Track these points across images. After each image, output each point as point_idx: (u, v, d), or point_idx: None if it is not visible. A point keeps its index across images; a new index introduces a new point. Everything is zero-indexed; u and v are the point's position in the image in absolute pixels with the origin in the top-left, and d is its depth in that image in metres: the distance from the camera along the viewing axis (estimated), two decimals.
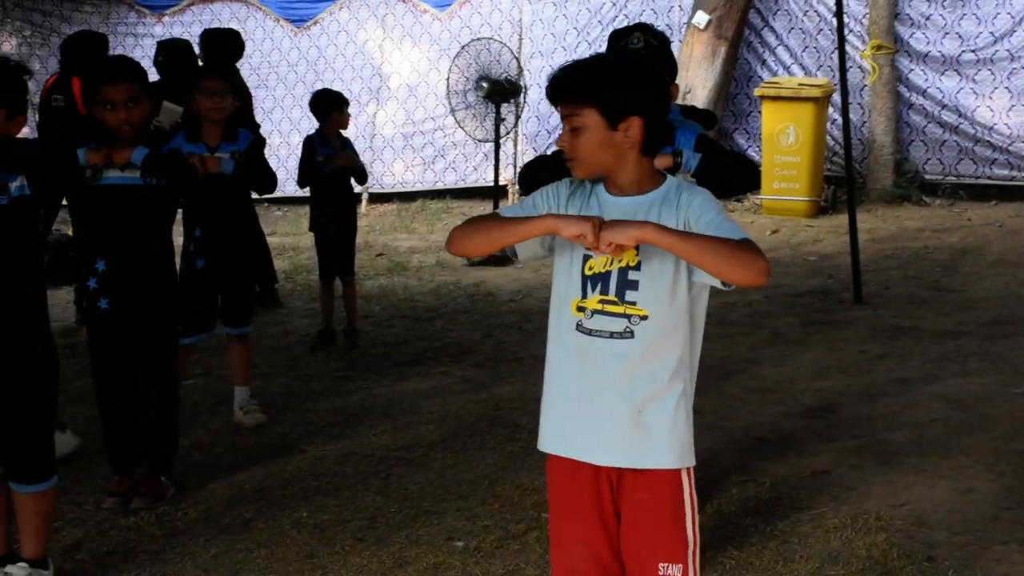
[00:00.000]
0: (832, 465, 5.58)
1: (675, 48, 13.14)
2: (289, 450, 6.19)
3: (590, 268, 2.98)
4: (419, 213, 13.20)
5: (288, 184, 9.11)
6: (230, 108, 6.36)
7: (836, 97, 12.44)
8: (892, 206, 12.93)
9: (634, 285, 2.94)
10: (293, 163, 8.79)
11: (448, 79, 11.02)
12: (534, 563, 4.63)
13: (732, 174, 4.30)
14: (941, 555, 4.53)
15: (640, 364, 2.97)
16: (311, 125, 8.61)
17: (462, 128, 11.34)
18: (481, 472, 5.72)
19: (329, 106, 8.29)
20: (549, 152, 12.85)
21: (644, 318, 2.93)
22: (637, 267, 2.93)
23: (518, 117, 11.65)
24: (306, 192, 8.59)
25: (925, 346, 7.74)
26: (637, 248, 2.88)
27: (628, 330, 2.94)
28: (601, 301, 2.96)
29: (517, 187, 13.25)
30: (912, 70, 13.29)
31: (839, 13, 9.30)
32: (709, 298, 3.09)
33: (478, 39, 11.44)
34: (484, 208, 13.14)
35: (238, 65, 9.33)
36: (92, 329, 5.30)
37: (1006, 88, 12.86)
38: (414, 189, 14.16)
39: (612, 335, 2.96)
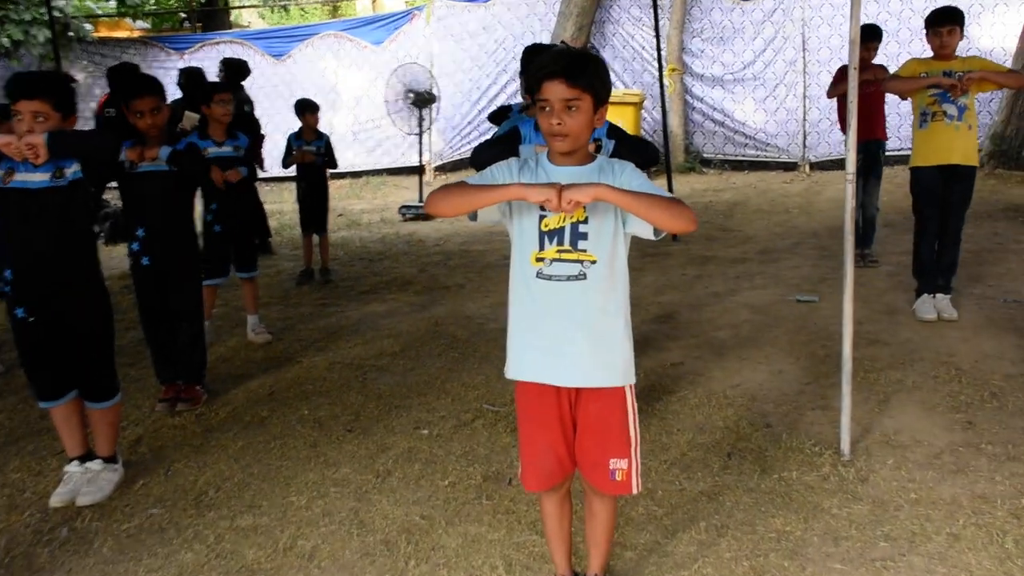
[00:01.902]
0: (682, 358, 5.08)
1: None
2: (289, 361, 5.47)
3: (546, 225, 2.45)
4: (365, 186, 12.48)
5: (274, 167, 8.32)
6: (231, 114, 5.74)
7: (647, 103, 12.09)
8: (684, 175, 12.45)
9: (584, 236, 2.43)
10: (276, 154, 8.10)
11: (385, 92, 10.34)
12: (483, 444, 4.05)
13: (639, 154, 3.70)
14: (774, 422, 4.12)
15: (593, 300, 2.46)
16: (288, 128, 7.90)
17: (395, 125, 10.66)
18: (433, 374, 5.09)
19: (303, 109, 7.65)
20: (458, 142, 12.86)
21: (593, 262, 2.43)
22: (585, 221, 2.43)
23: (431, 120, 10.95)
24: (289, 172, 7.82)
25: (724, 269, 7.31)
26: (585, 206, 2.37)
27: (582, 273, 2.43)
28: (559, 251, 2.44)
29: (434, 168, 12.64)
30: (694, 85, 12.88)
31: (658, 48, 8.85)
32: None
33: (405, 64, 10.74)
34: (411, 181, 12.48)
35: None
36: (137, 280, 4.62)
37: (752, 98, 12.57)
38: (361, 169, 13.42)
39: (569, 278, 2.44)
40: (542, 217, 2.44)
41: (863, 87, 6.96)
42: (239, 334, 6.02)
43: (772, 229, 9.15)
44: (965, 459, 3.63)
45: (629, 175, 2.44)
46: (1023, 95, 10.52)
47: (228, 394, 4.91)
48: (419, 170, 11.19)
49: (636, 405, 2.58)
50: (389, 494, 3.62)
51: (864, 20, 11.38)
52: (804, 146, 12.36)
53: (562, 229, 2.44)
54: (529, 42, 12.89)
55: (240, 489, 3.72)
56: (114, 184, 4.56)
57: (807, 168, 12.32)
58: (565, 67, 2.34)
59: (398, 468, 3.86)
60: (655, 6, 6.88)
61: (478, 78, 12.67)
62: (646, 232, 2.43)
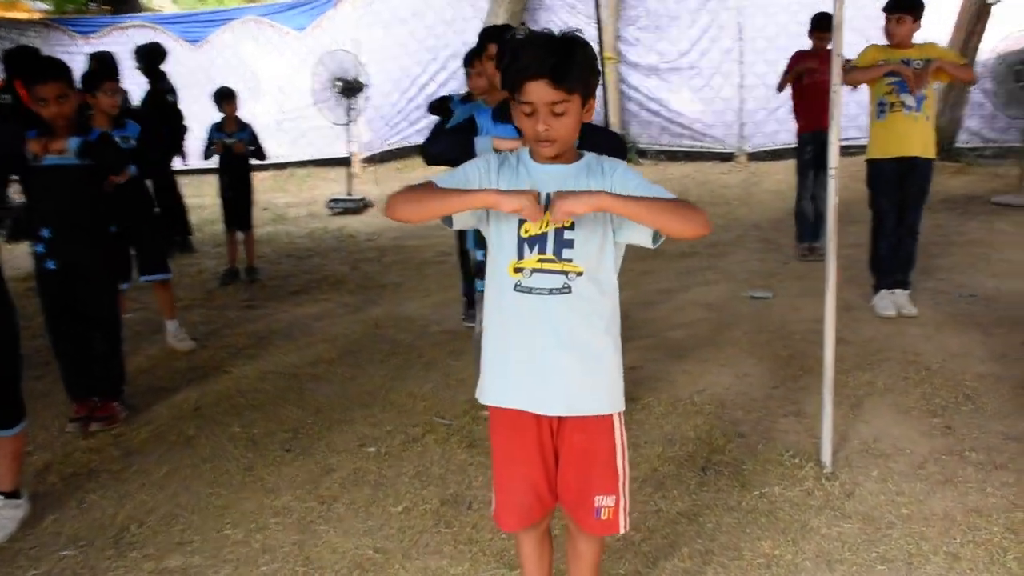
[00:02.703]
0: (640, 361, 4.83)
1: None
2: (216, 371, 5.07)
3: (526, 231, 2.14)
4: (290, 178, 11.99)
5: (195, 159, 7.84)
6: (118, 104, 5.25)
7: None
8: None
9: (569, 244, 2.13)
10: (194, 145, 7.66)
11: (313, 80, 9.90)
12: (437, 463, 3.75)
13: (609, 147, 3.42)
14: (747, 431, 3.92)
15: (579, 317, 2.16)
16: (206, 118, 7.47)
17: (323, 115, 10.22)
18: (376, 383, 4.75)
19: (221, 98, 7.22)
20: (387, 133, 12.42)
21: (579, 274, 2.13)
22: (571, 227, 2.12)
23: (360, 110, 10.56)
24: (209, 165, 7.41)
25: (671, 264, 7.11)
26: None
27: (566, 286, 2.13)
28: (540, 260, 2.13)
29: (363, 160, 12.20)
30: (630, 74, 12.68)
31: (600, 36, 8.60)
32: None
33: (333, 50, 10.30)
34: (338, 173, 12.06)
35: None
36: (42, 286, 4.21)
37: (688, 87, 12.43)
38: (285, 161, 12.85)
39: (551, 291, 2.13)
40: (522, 222, 2.15)
41: (817, 77, 6.90)
42: (158, 341, 5.59)
43: (715, 221, 8.54)
44: (951, 469, 3.47)
45: (623, 174, 2.17)
46: (956, 87, 10.62)
47: (149, 410, 4.49)
48: (347, 162, 10.78)
49: (625, 435, 2.30)
50: (336, 524, 3.29)
51: (808, 9, 11.31)
52: (741, 136, 12.29)
53: (544, 236, 2.14)
54: (461, 28, 12.73)
55: (167, 523, 3.34)
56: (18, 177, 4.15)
57: (744, 159, 12.25)
58: (552, 67, 2.03)
59: (345, 493, 3.53)
60: None
61: (408, 66, 12.28)
62: (643, 240, 2.16)
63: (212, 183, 8.23)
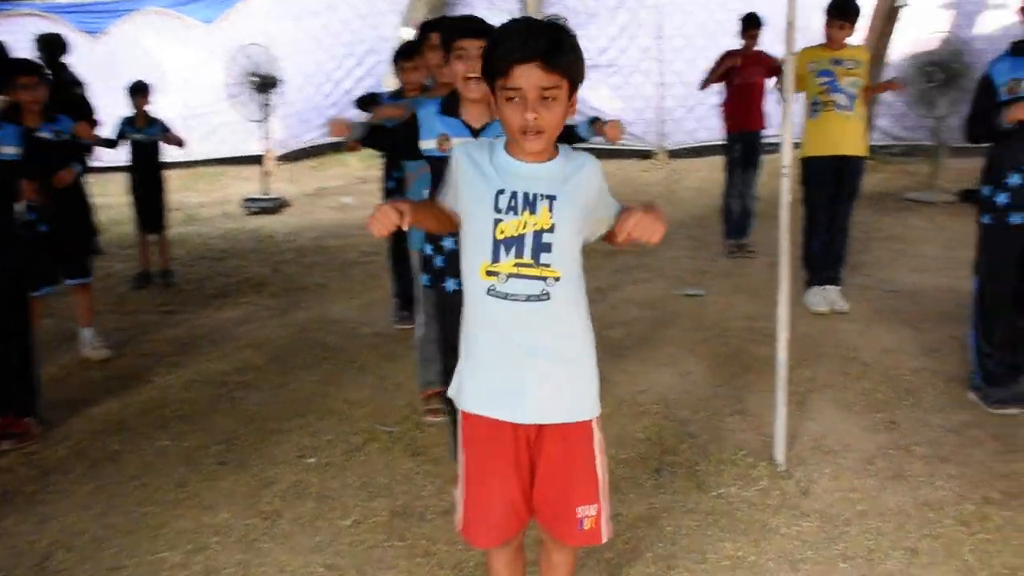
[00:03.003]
0: None
1: (387, 55, 12.16)
2: (137, 381, 4.81)
3: (501, 231, 2.01)
4: (200, 176, 11.57)
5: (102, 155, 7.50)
6: (45, 97, 4.89)
7: None
8: None
9: (548, 248, 2.02)
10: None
11: (225, 74, 9.58)
12: (382, 472, 3.62)
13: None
14: (696, 431, 3.90)
15: (558, 325, 2.08)
16: (108, 112, 7.26)
17: (237, 111, 9.90)
18: (310, 390, 4.59)
19: (135, 92, 6.95)
20: (301, 130, 12.12)
21: (557, 279, 2.03)
22: (551, 229, 2.01)
23: (277, 106, 10.26)
24: (117, 162, 7.17)
25: (601, 262, 7.04)
26: (551, 209, 2.01)
27: (545, 292, 2.03)
28: (517, 264, 2.02)
29: (277, 157, 11.85)
30: None
31: None
32: None
33: (247, 44, 9.98)
34: (251, 171, 11.73)
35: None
36: None
37: (607, 85, 12.41)
38: (195, 159, 12.37)
39: (529, 298, 2.02)
40: (497, 221, 2.04)
41: (746, 76, 6.98)
42: (71, 349, 5.29)
43: None
44: (899, 463, 3.52)
45: (590, 171, 2.10)
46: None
47: (66, 425, 4.23)
48: (260, 160, 10.49)
49: (603, 439, 2.23)
50: (282, 541, 3.14)
51: (724, 8, 11.40)
52: (661, 134, 12.41)
53: (522, 237, 2.02)
54: (376, 23, 12.52)
55: (97, 547, 3.13)
56: None
57: (664, 156, 12.37)
58: (544, 49, 1.91)
59: (288, 507, 3.38)
60: None
61: (322, 60, 12.01)
62: (600, 231, 2.12)
63: (118, 181, 7.89)
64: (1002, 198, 3.80)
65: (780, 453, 3.51)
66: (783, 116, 3.48)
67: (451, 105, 3.22)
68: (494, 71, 2.00)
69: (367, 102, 5.82)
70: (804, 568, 2.86)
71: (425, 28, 3.93)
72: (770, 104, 7.24)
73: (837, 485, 3.36)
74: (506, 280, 2.03)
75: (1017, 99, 3.66)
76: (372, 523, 3.24)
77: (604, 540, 2.22)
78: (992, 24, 11.22)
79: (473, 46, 3.03)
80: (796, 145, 6.83)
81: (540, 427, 2.13)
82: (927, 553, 2.92)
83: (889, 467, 3.49)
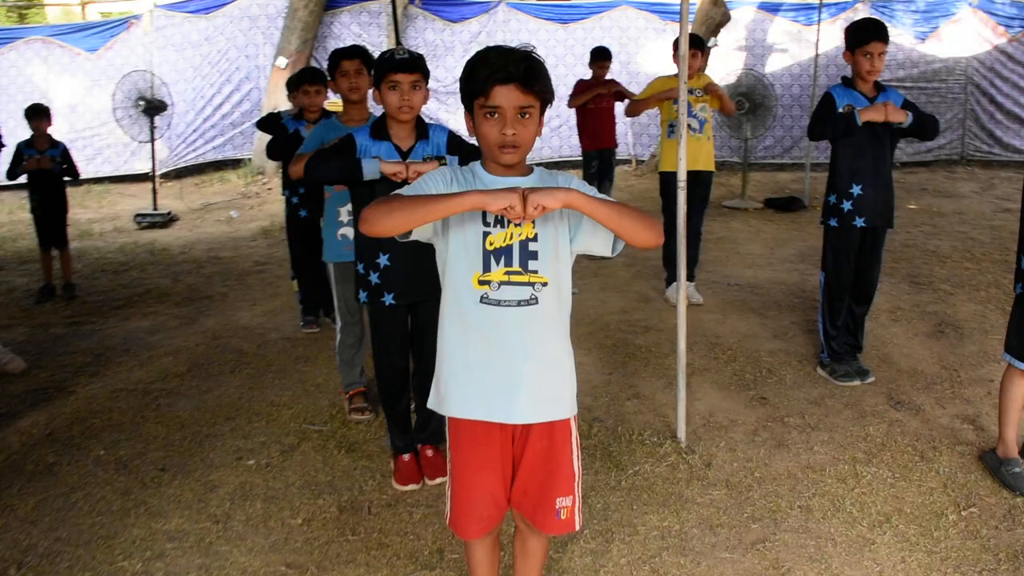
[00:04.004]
0: None
1: (262, 83, 11.59)
2: (60, 392, 4.30)
3: (491, 243, 1.91)
4: (88, 194, 10.56)
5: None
6: None
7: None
8: None
9: (534, 255, 1.92)
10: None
11: (113, 98, 8.81)
12: (322, 470, 3.37)
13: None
14: (601, 416, 3.84)
15: (545, 327, 1.97)
16: None
17: (126, 133, 9.14)
18: (234, 394, 4.22)
19: (32, 115, 6.31)
20: (183, 151, 11.31)
21: (544, 284, 1.94)
22: (535, 239, 1.92)
23: (167, 127, 9.57)
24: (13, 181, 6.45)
25: None
26: (534, 221, 1.90)
27: (533, 297, 1.93)
28: (507, 272, 1.91)
29: (160, 175, 11.02)
30: None
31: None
32: None
33: (137, 70, 9.24)
34: (136, 188, 10.90)
35: None
36: None
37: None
38: (82, 178, 11.39)
39: (519, 303, 1.92)
40: (486, 234, 1.91)
41: (599, 101, 7.04)
42: None
43: None
44: (779, 434, 3.58)
45: (579, 187, 1.98)
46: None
47: None
48: (151, 178, 9.74)
49: (578, 435, 2.11)
50: (238, 542, 2.85)
51: (562, 43, 11.49)
52: None
53: (510, 247, 1.92)
54: (253, 53, 11.89)
55: (51, 561, 2.76)
56: None
57: None
58: (523, 71, 1.84)
59: (237, 509, 3.08)
60: (396, 24, 6.36)
61: (201, 88, 11.26)
62: (602, 248, 1.99)
63: (10, 200, 7.13)
64: (847, 205, 3.94)
65: (682, 431, 3.50)
66: (679, 139, 3.46)
67: (381, 130, 3.05)
68: (474, 90, 1.89)
69: (269, 122, 5.48)
70: (722, 532, 2.85)
71: (337, 57, 3.69)
72: (620, 125, 7.34)
73: (734, 456, 3.38)
74: (498, 288, 1.91)
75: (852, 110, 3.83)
76: (323, 520, 2.99)
77: (578, 528, 2.11)
78: (776, 64, 11.85)
79: (407, 80, 2.90)
80: (627, 161, 6.90)
81: (528, 425, 2.00)
82: (818, 509, 2.98)
83: (772, 437, 3.54)
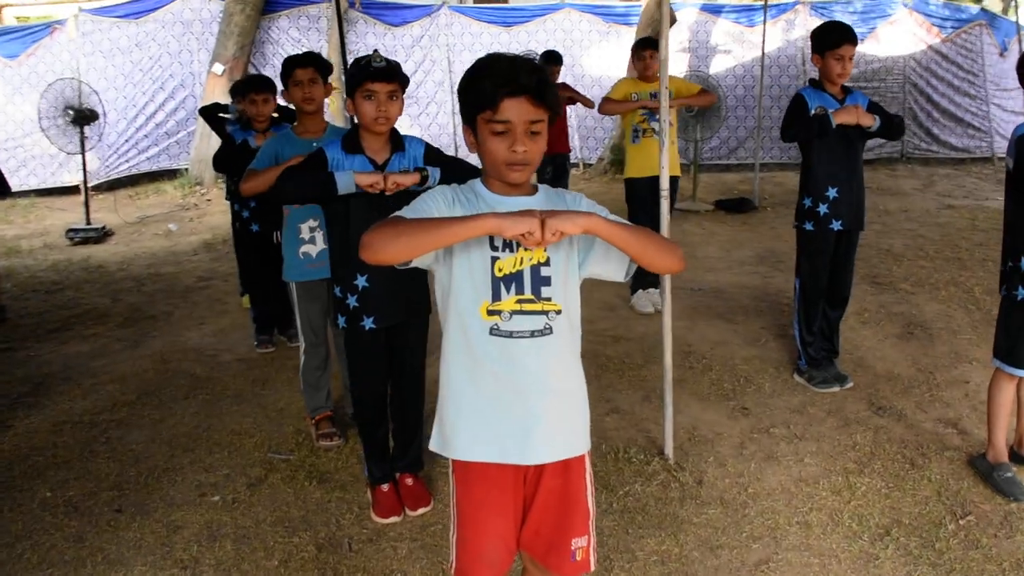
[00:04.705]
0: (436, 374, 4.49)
1: (197, 90, 11.19)
2: None
3: (500, 269, 1.75)
4: (11, 208, 10.06)
5: None
6: None
7: None
8: None
9: (547, 281, 1.77)
10: None
11: (39, 107, 8.36)
12: (293, 504, 3.17)
13: (464, 177, 3.03)
14: None
15: (560, 358, 1.82)
16: None
17: (53, 143, 8.68)
18: (190, 423, 3.98)
19: None
20: (115, 161, 10.82)
21: (559, 312, 1.79)
22: (547, 263, 1.77)
23: (99, 137, 9.12)
24: None
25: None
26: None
27: (547, 326, 1.78)
28: (519, 301, 1.76)
29: (91, 187, 10.53)
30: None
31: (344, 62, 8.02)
32: None
33: (64, 78, 8.80)
34: (65, 202, 10.38)
35: None
36: None
37: (407, 115, 11.98)
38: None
39: (533, 334, 1.77)
40: (495, 259, 1.76)
41: None
42: None
43: None
44: (766, 446, 3.51)
45: (589, 207, 1.86)
46: None
47: None
48: (82, 191, 9.29)
49: (592, 471, 1.98)
50: None
51: (504, 47, 11.45)
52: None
53: (520, 273, 1.77)
54: (187, 60, 11.49)
55: None
56: None
57: None
58: (536, 83, 1.69)
59: (206, 552, 2.87)
60: (340, 29, 6.17)
61: (133, 95, 10.80)
62: (615, 273, 1.86)
63: None
64: (823, 208, 3.90)
65: (669, 448, 3.40)
66: (660, 145, 3.37)
67: (353, 142, 2.88)
68: (479, 103, 1.73)
69: (213, 112, 5.29)
70: (723, 554, 2.76)
71: (290, 65, 3.51)
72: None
73: (724, 472, 3.29)
74: (510, 318, 1.76)
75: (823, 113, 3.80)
76: (300, 560, 2.81)
77: (592, 568, 1.97)
78: (719, 65, 11.95)
79: (384, 90, 2.74)
80: (590, 165, 6.82)
81: (543, 465, 1.86)
82: (818, 524, 2.91)
83: (760, 450, 3.47)
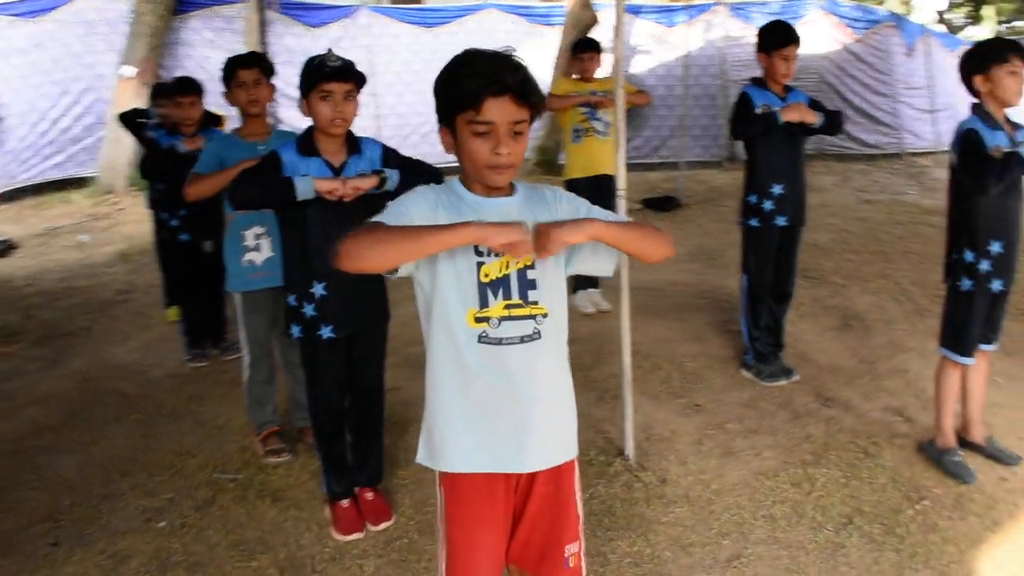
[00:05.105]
0: (395, 381, 4.30)
1: (106, 94, 10.69)
2: None
3: (486, 275, 1.71)
4: None
5: None
6: None
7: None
8: None
9: (533, 284, 1.74)
10: None
11: None
12: (248, 525, 3.05)
13: (425, 179, 2.94)
14: None
15: (550, 363, 1.80)
16: None
17: None
18: (125, 445, 3.78)
19: None
20: (15, 169, 10.26)
21: (546, 316, 1.75)
22: (532, 266, 1.74)
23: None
24: None
25: None
26: None
27: (536, 331, 1.74)
28: (507, 306, 1.72)
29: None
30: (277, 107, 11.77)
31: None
32: None
33: None
34: None
35: None
36: None
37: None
38: None
39: (522, 339, 1.73)
40: (480, 264, 1.72)
41: None
42: None
43: None
44: (723, 442, 3.56)
45: (571, 201, 1.84)
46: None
47: None
48: None
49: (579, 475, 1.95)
50: None
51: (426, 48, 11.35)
52: None
53: (507, 278, 1.73)
54: (92, 62, 10.97)
55: None
56: None
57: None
58: (519, 82, 1.65)
59: None
60: (262, 28, 5.99)
61: (34, 100, 10.27)
62: (604, 269, 1.85)
63: None
64: (768, 204, 3.98)
65: (630, 448, 3.41)
66: (616, 146, 3.37)
67: (308, 145, 2.78)
68: (459, 103, 1.68)
69: (133, 118, 5.09)
70: (695, 552, 2.78)
71: (234, 66, 3.38)
72: None
73: (686, 470, 3.32)
74: (498, 324, 1.72)
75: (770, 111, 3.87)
76: None
77: (584, 575, 1.95)
78: (640, 66, 12.15)
79: (340, 89, 2.66)
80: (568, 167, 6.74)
81: (534, 473, 1.82)
82: (782, 517, 2.96)
83: (717, 446, 3.51)
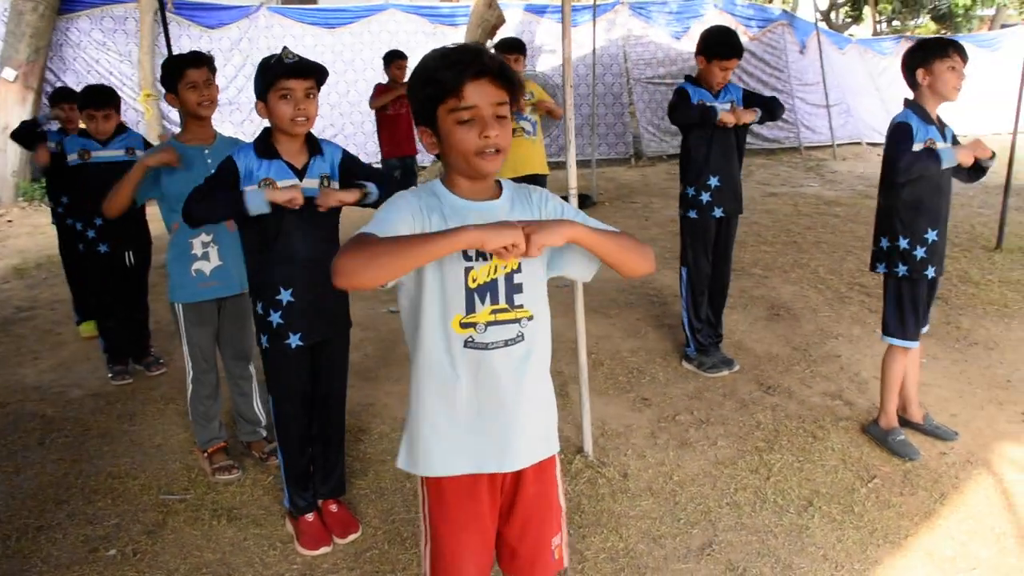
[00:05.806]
0: None
1: None
2: None
3: (474, 280, 1.69)
4: None
5: None
6: None
7: None
8: None
9: (519, 288, 1.74)
10: None
11: None
12: (206, 548, 2.93)
13: (385, 187, 2.86)
14: None
15: (534, 365, 1.79)
16: None
17: None
18: (55, 471, 3.57)
19: None
20: None
21: (530, 319, 1.75)
22: (518, 270, 1.73)
23: None
24: None
25: None
26: None
27: (520, 334, 1.74)
28: (494, 311, 1.71)
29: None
30: (172, 111, 11.27)
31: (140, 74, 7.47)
32: None
33: None
34: None
35: None
36: None
37: (229, 122, 11.35)
38: None
39: (507, 343, 1.73)
40: (468, 269, 1.69)
41: (397, 106, 6.84)
42: None
43: None
44: (677, 433, 3.64)
45: (557, 205, 1.83)
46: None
47: None
48: None
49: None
50: None
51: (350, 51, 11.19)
52: None
53: (494, 283, 1.71)
54: None
55: None
56: None
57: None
58: (499, 65, 1.64)
59: None
60: (165, 27, 5.75)
61: None
62: (583, 274, 1.84)
63: None
64: (705, 196, 4.09)
65: (589, 445, 3.44)
66: (566, 144, 3.39)
67: (267, 147, 2.69)
68: (439, 94, 1.64)
69: (28, 132, 4.82)
70: (667, 543, 2.83)
71: (180, 65, 3.23)
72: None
73: (646, 463, 3.38)
74: (484, 329, 1.71)
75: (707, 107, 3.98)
76: None
77: (567, 564, 1.97)
78: (545, 65, 12.29)
79: (300, 87, 2.58)
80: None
81: (519, 471, 1.83)
82: (746, 503, 3.05)
83: (672, 438, 3.59)
